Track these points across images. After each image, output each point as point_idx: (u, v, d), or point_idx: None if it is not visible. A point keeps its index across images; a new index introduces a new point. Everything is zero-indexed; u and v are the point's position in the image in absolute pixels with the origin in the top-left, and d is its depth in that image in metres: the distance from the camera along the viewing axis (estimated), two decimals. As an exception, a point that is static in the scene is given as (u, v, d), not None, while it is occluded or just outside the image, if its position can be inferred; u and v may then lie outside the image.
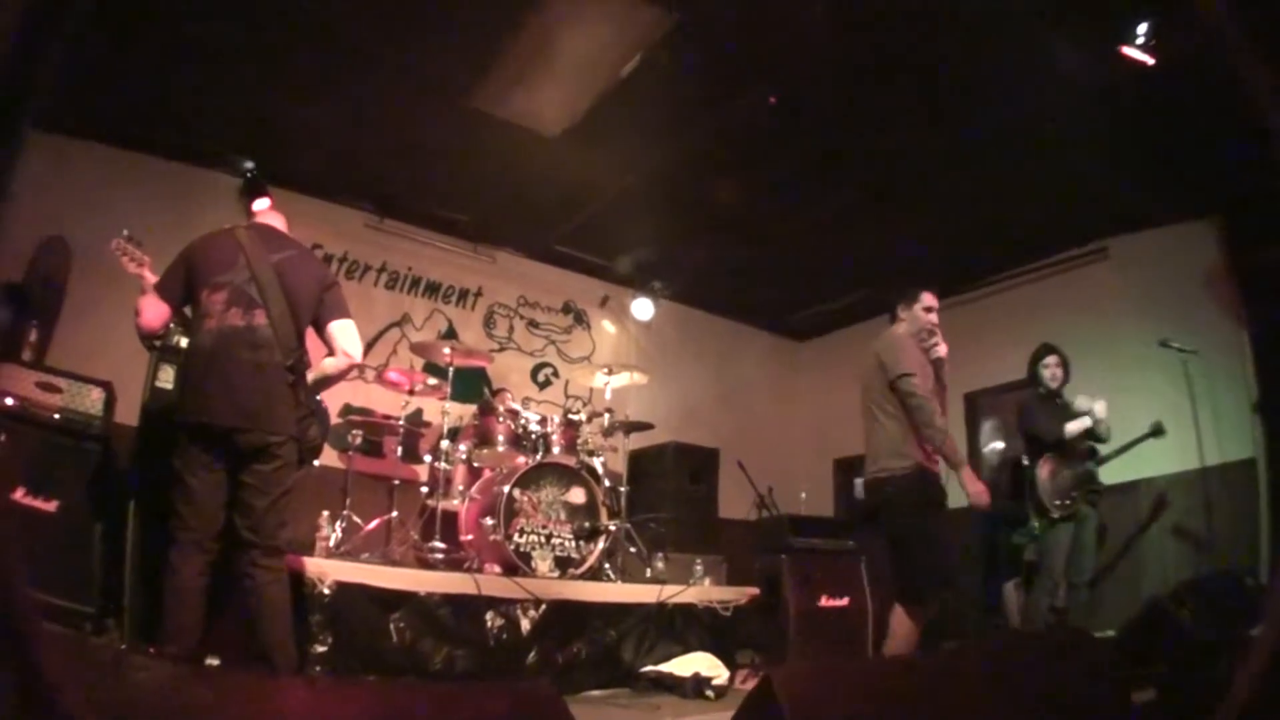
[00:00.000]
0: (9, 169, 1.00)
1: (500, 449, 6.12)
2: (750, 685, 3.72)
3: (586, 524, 5.77)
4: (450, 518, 5.85)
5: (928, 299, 4.85)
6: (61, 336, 6.07)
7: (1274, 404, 6.35)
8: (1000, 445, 8.80)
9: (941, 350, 4.78)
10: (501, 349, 8.87)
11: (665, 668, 5.30)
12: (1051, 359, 6.27)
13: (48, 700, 0.94)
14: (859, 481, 7.44)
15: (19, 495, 4.17)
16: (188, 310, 3.91)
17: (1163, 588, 5.20)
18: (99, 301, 5.98)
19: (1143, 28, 5.05)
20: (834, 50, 5.56)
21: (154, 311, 3.77)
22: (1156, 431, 6.15)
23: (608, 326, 9.81)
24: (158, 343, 4.56)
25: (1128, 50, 5.14)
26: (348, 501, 5.90)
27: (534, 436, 6.09)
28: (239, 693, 1.64)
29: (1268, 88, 1.19)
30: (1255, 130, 1.21)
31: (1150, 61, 5.15)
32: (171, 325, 4.48)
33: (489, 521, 5.47)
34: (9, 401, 4.34)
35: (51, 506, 4.24)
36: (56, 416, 4.43)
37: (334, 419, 6.35)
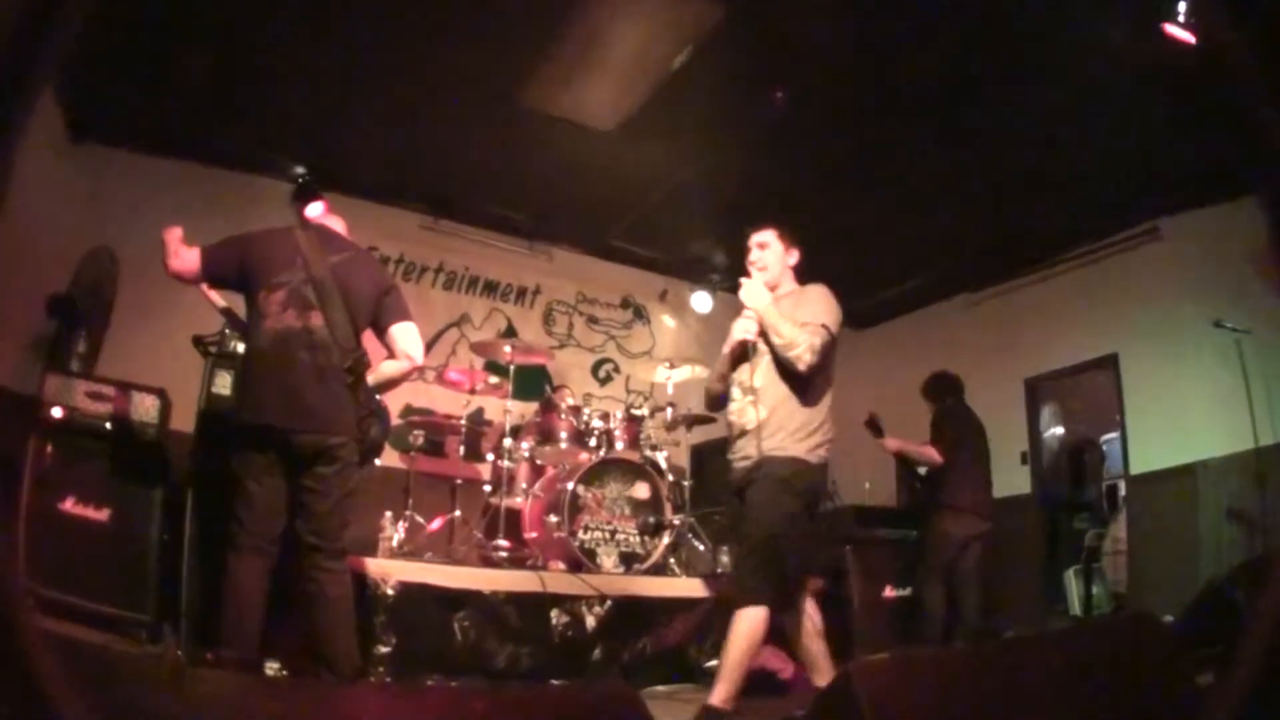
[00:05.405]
0: (9, 161, 0.94)
1: (563, 446, 6.09)
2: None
3: (651, 519, 5.73)
4: (514, 516, 5.83)
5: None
6: (112, 346, 6.09)
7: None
8: (1060, 430, 8.58)
9: None
10: (561, 346, 8.81)
11: (732, 663, 5.22)
12: None
13: (44, 705, 0.89)
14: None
15: (68, 505, 4.20)
16: (242, 314, 3.89)
17: (1218, 570, 5.17)
18: (149, 310, 6.01)
19: (1182, 6, 4.88)
20: (886, 34, 5.44)
21: (187, 260, 3.69)
22: None
23: (667, 320, 9.68)
24: (213, 348, 4.56)
25: (1170, 28, 4.96)
26: (410, 501, 5.90)
27: (596, 432, 6.07)
28: (309, 703, 1.59)
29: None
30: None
31: (1191, 40, 4.94)
32: (227, 332, 4.48)
33: (553, 519, 5.46)
34: (57, 412, 4.35)
35: (103, 515, 4.26)
36: (108, 425, 4.45)
37: (394, 420, 6.34)
